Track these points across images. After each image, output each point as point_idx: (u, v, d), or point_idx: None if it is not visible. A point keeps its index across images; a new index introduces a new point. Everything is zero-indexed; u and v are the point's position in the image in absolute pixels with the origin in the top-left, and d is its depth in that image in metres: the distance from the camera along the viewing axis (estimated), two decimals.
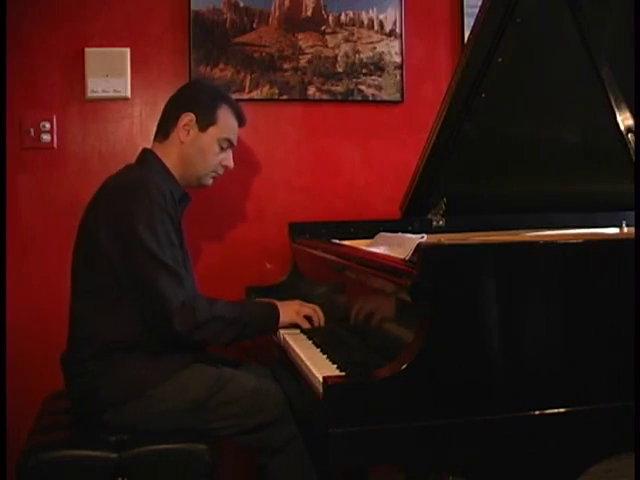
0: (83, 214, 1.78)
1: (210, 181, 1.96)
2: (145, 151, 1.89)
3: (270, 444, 1.72)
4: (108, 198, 1.72)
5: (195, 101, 1.89)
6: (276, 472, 1.74)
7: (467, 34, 2.39)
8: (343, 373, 1.36)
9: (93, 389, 1.66)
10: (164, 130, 1.89)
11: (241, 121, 1.96)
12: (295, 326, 1.81)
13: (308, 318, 1.81)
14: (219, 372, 1.74)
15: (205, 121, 1.87)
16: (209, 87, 2.02)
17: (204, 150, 1.88)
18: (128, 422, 1.64)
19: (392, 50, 2.48)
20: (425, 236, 1.64)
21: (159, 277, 1.61)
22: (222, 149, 1.92)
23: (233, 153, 1.98)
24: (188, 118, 1.85)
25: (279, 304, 1.82)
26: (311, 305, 1.85)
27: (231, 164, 1.97)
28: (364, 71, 2.47)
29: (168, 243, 1.66)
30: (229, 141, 1.93)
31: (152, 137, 1.94)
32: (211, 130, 1.88)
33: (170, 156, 1.87)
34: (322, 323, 1.82)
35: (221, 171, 1.96)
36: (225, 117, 1.90)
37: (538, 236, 1.83)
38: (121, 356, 1.66)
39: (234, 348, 2.08)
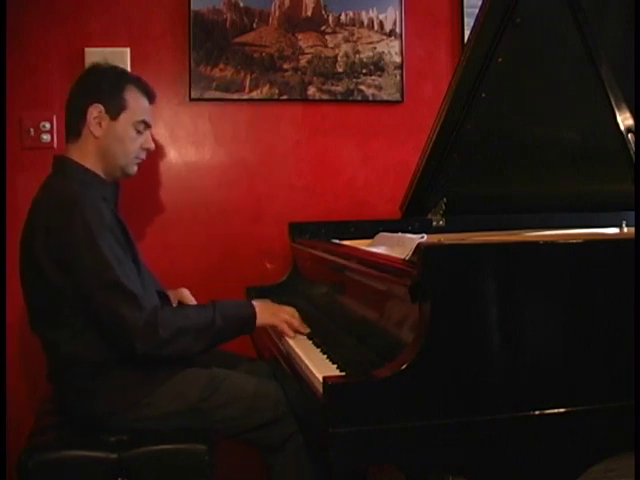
0: (21, 238, 1.68)
1: (135, 169, 1.83)
2: (59, 158, 1.76)
3: (271, 442, 1.72)
4: (43, 226, 1.61)
5: (99, 89, 1.74)
6: (278, 469, 1.74)
7: (467, 34, 2.39)
8: (343, 373, 1.36)
9: (87, 405, 1.63)
10: (74, 129, 1.75)
11: (150, 98, 1.84)
12: None
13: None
14: (212, 373, 1.71)
15: (115, 109, 1.74)
16: (109, 70, 1.80)
17: (121, 138, 1.76)
18: (126, 430, 1.62)
19: (392, 50, 2.48)
20: (425, 236, 1.64)
21: (114, 301, 1.53)
22: (139, 132, 1.79)
23: (150, 136, 1.85)
24: (97, 110, 1.72)
25: (256, 304, 1.74)
26: (288, 309, 1.79)
27: (152, 145, 1.85)
28: (364, 71, 2.47)
29: (116, 262, 1.56)
30: (145, 123, 1.81)
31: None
32: (123, 116, 1.75)
33: (88, 155, 1.74)
34: (301, 330, 1.74)
35: (143, 155, 1.84)
36: (135, 99, 1.78)
37: (538, 236, 1.83)
38: (110, 370, 1.62)
39: (234, 347, 2.08)
